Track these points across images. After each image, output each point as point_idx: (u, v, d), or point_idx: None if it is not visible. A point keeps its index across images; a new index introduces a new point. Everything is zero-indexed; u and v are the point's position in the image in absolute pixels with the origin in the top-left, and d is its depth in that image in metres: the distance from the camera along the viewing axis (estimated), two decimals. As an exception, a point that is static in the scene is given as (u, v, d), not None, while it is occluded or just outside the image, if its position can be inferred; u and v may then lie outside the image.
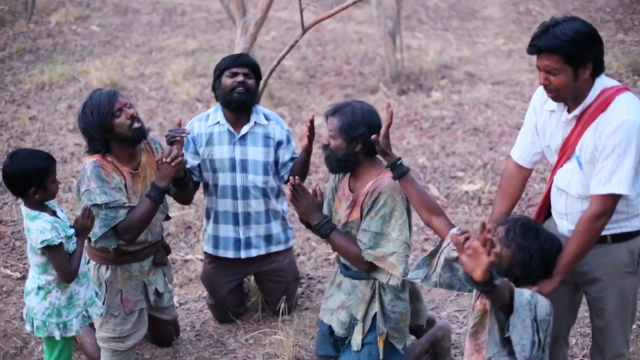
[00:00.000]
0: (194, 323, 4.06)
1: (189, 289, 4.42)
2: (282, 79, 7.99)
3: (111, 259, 3.37)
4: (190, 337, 3.91)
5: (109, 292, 3.38)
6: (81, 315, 3.15)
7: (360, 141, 3.05)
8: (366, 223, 3.08)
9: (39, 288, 3.07)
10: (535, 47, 2.57)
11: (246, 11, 4.39)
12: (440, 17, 10.63)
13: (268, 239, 3.88)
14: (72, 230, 3.05)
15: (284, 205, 3.97)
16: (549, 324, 2.47)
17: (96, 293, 3.27)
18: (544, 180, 5.36)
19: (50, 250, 2.97)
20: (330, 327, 3.32)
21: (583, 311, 3.09)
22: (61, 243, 2.98)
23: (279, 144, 3.79)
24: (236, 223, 3.81)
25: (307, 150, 3.59)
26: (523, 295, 2.38)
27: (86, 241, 3.18)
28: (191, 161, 3.74)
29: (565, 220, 2.77)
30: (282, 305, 3.91)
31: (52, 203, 3.12)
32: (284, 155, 3.81)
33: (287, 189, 3.23)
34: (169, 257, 3.67)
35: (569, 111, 2.68)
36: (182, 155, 3.26)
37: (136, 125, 3.24)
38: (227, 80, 3.67)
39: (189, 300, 4.30)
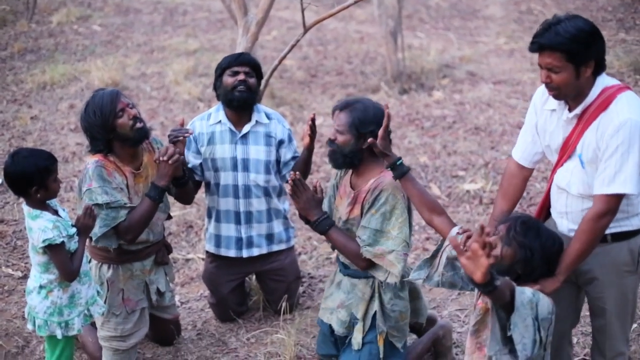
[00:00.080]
0: (195, 322, 4.06)
1: (191, 288, 4.42)
2: (284, 78, 7.99)
3: (113, 258, 3.37)
4: (191, 336, 3.91)
5: (111, 291, 3.38)
6: (83, 314, 3.15)
7: (368, 138, 3.00)
8: (366, 220, 3.07)
9: (41, 287, 3.07)
10: (537, 45, 2.57)
11: (247, 11, 4.39)
12: (442, 16, 10.63)
13: (270, 237, 3.89)
14: (74, 230, 3.05)
15: (285, 204, 3.97)
16: (550, 323, 2.47)
17: (98, 292, 3.27)
18: (545, 179, 5.35)
19: (52, 250, 2.97)
20: (330, 326, 3.32)
21: (584, 310, 3.09)
22: (63, 242, 2.98)
23: (280, 142, 3.79)
24: (238, 222, 3.81)
25: (309, 149, 3.59)
26: (524, 293, 2.38)
27: (88, 240, 3.18)
28: (193, 160, 3.74)
29: (566, 219, 2.76)
30: (284, 304, 3.91)
31: (54, 202, 3.13)
32: (286, 154, 3.81)
33: (288, 186, 3.22)
34: (170, 256, 3.68)
35: (570, 110, 2.68)
36: (180, 153, 3.26)
37: (138, 125, 3.23)
38: (228, 79, 3.67)
39: (191, 299, 4.30)
